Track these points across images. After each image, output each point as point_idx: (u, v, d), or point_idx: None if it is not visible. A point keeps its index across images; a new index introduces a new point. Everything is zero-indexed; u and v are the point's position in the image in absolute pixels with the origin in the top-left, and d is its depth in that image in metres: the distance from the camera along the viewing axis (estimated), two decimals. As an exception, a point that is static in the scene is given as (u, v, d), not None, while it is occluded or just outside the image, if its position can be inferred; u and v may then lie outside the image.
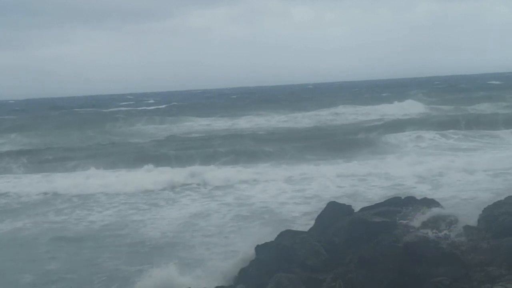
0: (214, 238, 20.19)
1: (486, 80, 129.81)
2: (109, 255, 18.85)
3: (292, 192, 26.89)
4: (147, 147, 45.46)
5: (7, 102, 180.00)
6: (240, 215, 23.20)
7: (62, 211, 26.03)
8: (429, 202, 15.58)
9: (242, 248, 15.89)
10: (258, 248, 14.31)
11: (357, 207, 15.97)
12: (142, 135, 56.22)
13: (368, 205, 16.07)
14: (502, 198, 14.34)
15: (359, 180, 28.33)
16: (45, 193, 29.64)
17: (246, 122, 61.97)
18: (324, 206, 16.04)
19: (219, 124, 62.25)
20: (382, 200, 16.39)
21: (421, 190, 24.59)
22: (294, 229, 15.82)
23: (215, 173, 31.41)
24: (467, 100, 70.63)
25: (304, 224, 18.66)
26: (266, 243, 14.44)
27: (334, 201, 16.47)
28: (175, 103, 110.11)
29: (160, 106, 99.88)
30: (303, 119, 62.15)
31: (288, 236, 14.30)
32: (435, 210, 14.76)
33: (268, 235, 15.16)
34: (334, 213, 15.26)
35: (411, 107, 64.60)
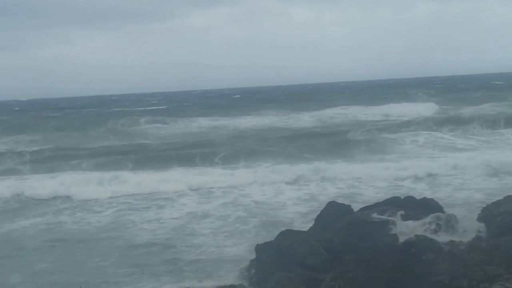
0: (208, 239, 20.33)
1: (489, 80, 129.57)
2: (99, 257, 18.93)
3: (291, 192, 26.94)
4: (158, 148, 45.05)
5: (8, 102, 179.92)
6: (238, 215, 23.33)
7: (62, 212, 26.06)
8: (428, 202, 15.64)
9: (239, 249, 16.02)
10: (258, 248, 14.36)
11: (356, 207, 16.02)
12: (150, 135, 56.14)
13: (367, 205, 16.12)
14: (501, 197, 14.41)
15: (359, 180, 28.35)
16: (55, 195, 29.54)
17: (248, 122, 61.92)
18: (323, 206, 16.08)
19: (222, 123, 62.22)
20: (381, 200, 16.44)
21: (421, 190, 24.64)
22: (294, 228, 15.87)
23: (216, 174, 31.47)
24: (471, 100, 70.64)
25: (303, 224, 18.69)
26: (266, 243, 14.50)
27: (334, 201, 16.54)
28: (178, 103, 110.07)
29: (161, 107, 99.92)
30: (305, 119, 62.10)
31: (288, 236, 14.37)
32: (434, 210, 14.83)
33: (266, 235, 15.25)
34: (333, 212, 15.33)
35: (416, 107, 64.54)
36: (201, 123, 63.94)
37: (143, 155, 40.58)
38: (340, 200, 17.74)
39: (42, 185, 31.77)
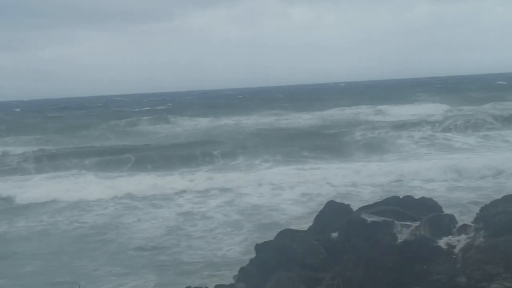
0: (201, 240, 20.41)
1: (492, 80, 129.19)
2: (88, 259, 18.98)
3: (290, 192, 26.99)
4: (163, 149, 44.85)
5: (9, 103, 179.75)
6: (236, 215, 23.41)
7: (59, 213, 26.02)
8: (426, 202, 15.68)
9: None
10: (258, 247, 14.40)
11: (355, 206, 16.05)
12: (150, 135, 56.10)
13: (366, 205, 16.16)
14: (499, 197, 14.46)
15: (359, 180, 28.39)
16: (53, 195, 29.43)
17: (249, 122, 61.85)
18: (322, 206, 16.10)
19: (224, 123, 62.17)
20: (380, 200, 16.48)
21: (420, 190, 24.67)
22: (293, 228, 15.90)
23: (215, 177, 31.49)
24: (473, 99, 70.54)
25: (302, 224, 18.73)
26: (265, 242, 14.54)
27: (333, 201, 16.57)
28: (179, 103, 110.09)
29: (162, 107, 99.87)
30: (306, 118, 62.03)
31: (287, 235, 14.41)
32: (432, 210, 14.88)
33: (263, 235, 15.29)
34: (332, 212, 15.36)
35: (416, 108, 64.50)
36: (203, 123, 63.96)
37: (143, 155, 40.56)
38: (338, 200, 17.75)
39: (40, 185, 31.76)
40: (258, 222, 21.97)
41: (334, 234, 14.26)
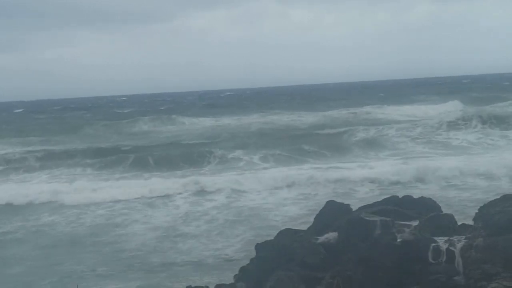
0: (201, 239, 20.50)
1: (494, 81, 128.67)
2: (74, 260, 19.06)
3: (290, 192, 27.07)
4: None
5: (11, 103, 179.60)
6: (236, 214, 23.52)
7: (56, 214, 25.97)
8: (426, 201, 15.69)
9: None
10: (258, 247, 14.45)
11: (355, 206, 16.07)
12: (150, 135, 56.07)
13: (366, 204, 16.17)
14: (498, 197, 14.49)
15: (359, 180, 28.43)
16: (52, 196, 29.43)
17: (251, 122, 61.80)
18: (322, 205, 16.12)
19: (226, 123, 62.12)
20: (380, 199, 16.50)
21: (420, 190, 24.72)
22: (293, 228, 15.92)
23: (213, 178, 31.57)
24: (475, 99, 70.45)
25: (302, 224, 18.78)
26: (266, 242, 14.59)
27: (333, 200, 16.57)
28: (179, 103, 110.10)
29: (162, 107, 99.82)
30: (308, 119, 62.00)
31: (287, 235, 14.45)
32: (432, 209, 14.90)
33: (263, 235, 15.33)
34: (332, 212, 15.37)
35: (416, 108, 64.56)
36: (204, 123, 63.93)
37: (142, 155, 40.54)
38: (338, 200, 17.77)
39: (40, 186, 31.82)
40: (258, 222, 22.05)
41: (334, 234, 14.30)
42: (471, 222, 14.03)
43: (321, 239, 14.19)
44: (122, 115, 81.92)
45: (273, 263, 13.57)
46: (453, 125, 46.85)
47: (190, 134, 55.38)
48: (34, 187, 31.56)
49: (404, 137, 42.69)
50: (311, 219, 15.82)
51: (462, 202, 22.29)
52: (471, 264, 12.25)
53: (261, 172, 32.28)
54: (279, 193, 27.05)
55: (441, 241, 13.03)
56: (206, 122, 65.00)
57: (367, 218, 14.02)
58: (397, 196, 16.04)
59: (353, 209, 15.56)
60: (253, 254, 14.51)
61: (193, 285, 14.14)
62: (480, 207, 14.15)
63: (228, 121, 64.25)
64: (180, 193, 28.47)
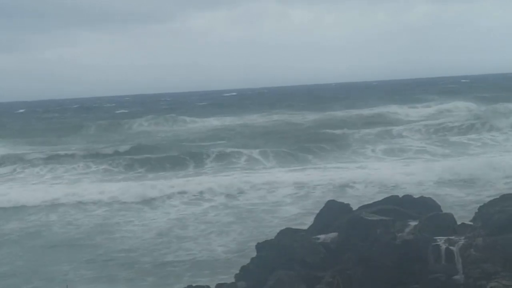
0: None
1: (495, 81, 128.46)
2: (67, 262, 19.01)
3: (289, 192, 27.10)
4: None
5: (12, 104, 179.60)
6: (236, 215, 23.55)
7: (54, 215, 26.03)
8: (426, 201, 15.73)
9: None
10: (259, 246, 14.48)
11: (355, 205, 16.10)
12: (151, 136, 56.04)
13: (366, 204, 16.21)
14: (497, 196, 14.53)
15: (359, 180, 28.46)
16: (51, 196, 29.36)
17: (251, 122, 61.85)
18: (322, 205, 16.16)
19: (227, 123, 62.11)
20: (380, 199, 16.53)
21: (420, 189, 24.74)
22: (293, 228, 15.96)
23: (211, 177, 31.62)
24: (482, 99, 70.42)
25: (302, 224, 18.82)
26: (266, 241, 14.63)
27: (333, 200, 16.63)
28: (179, 104, 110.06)
29: (163, 107, 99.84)
30: (307, 119, 62.00)
31: (287, 234, 14.48)
32: (431, 209, 14.93)
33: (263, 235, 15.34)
34: (332, 211, 15.41)
35: (416, 108, 64.61)
36: (205, 123, 63.91)
37: (142, 155, 40.56)
38: (338, 199, 17.82)
39: (40, 186, 31.84)
40: (258, 221, 22.06)
41: (334, 234, 14.33)
42: (470, 221, 14.07)
43: (321, 238, 14.23)
44: (122, 115, 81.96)
45: (274, 262, 13.61)
46: (460, 126, 46.73)
47: (190, 134, 55.39)
48: (33, 187, 31.60)
49: (407, 137, 42.73)
50: (311, 219, 15.84)
51: (460, 201, 22.26)
52: (470, 263, 12.28)
53: (262, 172, 32.31)
54: (279, 193, 27.06)
55: (441, 241, 13.06)
56: (208, 122, 64.97)
57: (367, 218, 14.06)
58: (397, 196, 16.09)
59: (353, 209, 15.61)
60: (252, 254, 14.52)
61: (193, 285, 14.18)
62: (480, 206, 14.20)
63: (229, 121, 64.22)
64: (180, 193, 28.49)
